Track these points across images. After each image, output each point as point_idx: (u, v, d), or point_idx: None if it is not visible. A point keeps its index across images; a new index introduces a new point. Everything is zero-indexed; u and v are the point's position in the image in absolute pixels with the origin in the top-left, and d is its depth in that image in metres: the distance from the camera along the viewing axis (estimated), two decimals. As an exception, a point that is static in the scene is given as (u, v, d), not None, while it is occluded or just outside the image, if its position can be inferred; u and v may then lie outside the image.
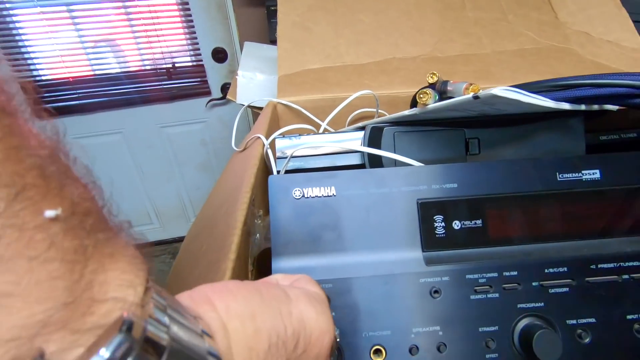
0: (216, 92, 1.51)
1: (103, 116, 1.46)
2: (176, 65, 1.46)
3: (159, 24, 1.37)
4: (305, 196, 0.24)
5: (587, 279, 0.24)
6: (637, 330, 0.24)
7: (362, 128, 0.37)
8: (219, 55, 1.46)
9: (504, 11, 0.66)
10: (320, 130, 0.50)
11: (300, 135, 0.38)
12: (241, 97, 0.76)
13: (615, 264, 0.24)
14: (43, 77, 1.36)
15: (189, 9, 1.37)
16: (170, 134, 1.58)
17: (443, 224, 0.25)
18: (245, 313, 0.13)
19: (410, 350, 0.23)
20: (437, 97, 0.31)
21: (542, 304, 0.24)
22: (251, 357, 0.12)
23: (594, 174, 0.25)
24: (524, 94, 0.26)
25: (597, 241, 0.25)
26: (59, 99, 1.39)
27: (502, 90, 0.25)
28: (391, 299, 0.23)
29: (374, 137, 0.34)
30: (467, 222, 0.25)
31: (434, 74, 0.35)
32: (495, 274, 0.24)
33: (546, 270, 0.24)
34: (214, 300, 0.13)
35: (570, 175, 0.25)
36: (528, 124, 0.34)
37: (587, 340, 0.23)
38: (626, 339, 0.24)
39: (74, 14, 1.30)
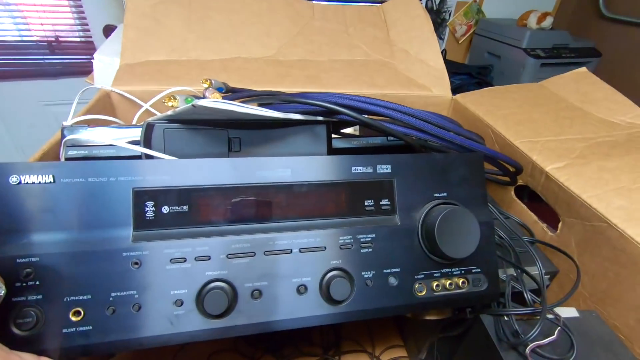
0: (108, 72, 1.44)
1: (-30, 89, 1.31)
2: (60, 39, 1.35)
3: (38, -8, 1.26)
4: (23, 182, 0.28)
5: (265, 251, 0.31)
6: (298, 289, 0.31)
7: (153, 123, 0.42)
8: (111, 33, 1.39)
9: (346, 24, 0.74)
10: (137, 115, 0.53)
11: (89, 126, 0.41)
12: (99, 82, 0.76)
13: (288, 240, 0.32)
14: None
15: (74, -20, 1.28)
16: (57, 112, 1.47)
17: (153, 208, 0.30)
18: None
19: (107, 310, 0.28)
20: (190, 100, 0.36)
21: (226, 271, 0.30)
22: None
23: (285, 172, 0.33)
24: (234, 105, 0.32)
25: (278, 223, 0.32)
26: None
27: (209, 102, 0.31)
28: (95, 269, 0.28)
29: (148, 133, 0.39)
30: (174, 208, 0.30)
31: (207, 80, 0.40)
32: (189, 249, 0.30)
33: (233, 246, 0.31)
34: None
35: (265, 172, 0.32)
36: (283, 128, 0.41)
37: (259, 298, 0.31)
38: (290, 297, 0.31)
39: None
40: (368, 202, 0.34)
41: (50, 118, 1.45)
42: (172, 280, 0.29)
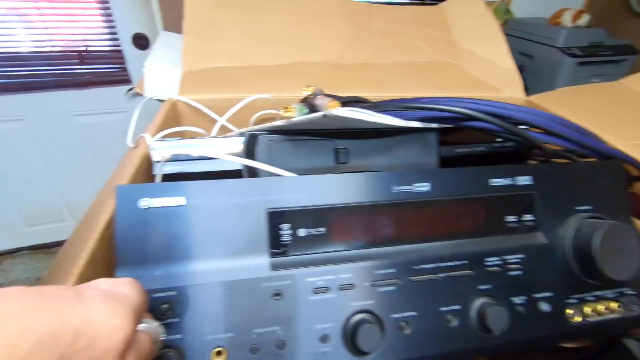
0: (138, 81, 1.42)
1: (0, 100, 1.30)
2: (89, 49, 1.34)
3: (68, 1, 1.25)
4: (152, 206, 0.25)
5: (410, 278, 0.28)
6: (447, 319, 0.28)
7: (246, 134, 0.38)
8: (141, 41, 1.37)
9: (406, 25, 0.71)
10: (215, 128, 0.50)
11: (181, 138, 0.38)
12: (149, 90, 0.73)
13: (434, 264, 0.28)
14: None
15: (103, -11, 1.26)
16: (85, 123, 1.45)
17: (290, 231, 0.27)
18: (13, 313, 0.14)
19: (251, 350, 0.25)
20: (305, 111, 0.33)
21: (372, 301, 0.27)
22: (12, 353, 0.13)
23: (424, 187, 0.29)
24: (366, 114, 0.29)
25: (421, 245, 0.29)
26: (-59, 79, 1.21)
27: (345, 111, 0.28)
28: (235, 303, 0.25)
29: (251, 145, 0.36)
30: (312, 230, 0.27)
31: (309, 87, 0.37)
32: (333, 277, 0.26)
33: (376, 272, 0.27)
34: None
35: (403, 187, 0.29)
36: (391, 137, 0.37)
37: (408, 331, 0.27)
38: (440, 328, 0.28)
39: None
40: (510, 218, 0.31)
41: (78, 129, 1.43)
42: (316, 313, 0.26)
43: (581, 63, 1.54)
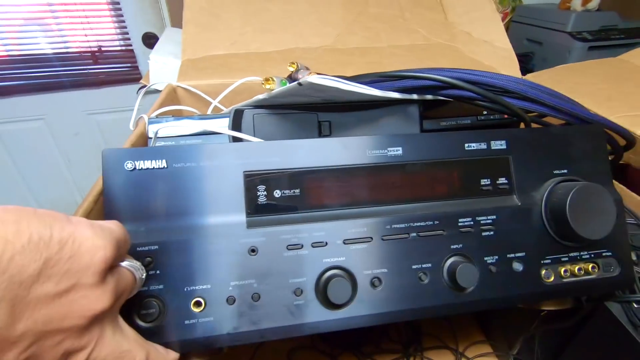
0: (148, 78, 1.47)
1: (21, 100, 1.37)
2: (103, 49, 1.39)
3: (82, 3, 1.30)
4: (137, 168, 0.27)
5: (382, 236, 0.29)
6: (419, 276, 0.29)
7: (235, 112, 0.40)
8: (151, 40, 1.41)
9: (401, 9, 0.72)
10: (209, 110, 0.52)
11: (173, 117, 0.40)
12: (154, 81, 0.76)
13: (406, 224, 0.29)
14: (-54, 56, 1.24)
15: (115, -9, 1.31)
16: (100, 121, 1.51)
17: (265, 192, 0.28)
18: (10, 218, 0.16)
19: (227, 300, 0.26)
20: (286, 84, 0.34)
21: (344, 258, 0.28)
22: (6, 245, 0.15)
23: (397, 151, 0.30)
24: (342, 82, 0.30)
25: (394, 206, 0.30)
26: (-33, 80, 1.28)
27: (318, 78, 0.29)
28: (213, 258, 0.27)
29: (237, 119, 0.38)
30: (286, 191, 0.29)
31: (292, 63, 0.38)
32: (306, 235, 0.28)
33: (349, 230, 0.28)
34: None
35: (377, 151, 0.30)
36: (373, 109, 0.38)
37: (379, 287, 0.28)
38: (412, 285, 0.29)
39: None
40: (484, 181, 0.32)
41: (93, 126, 1.49)
42: (290, 268, 0.28)
43: (592, 47, 1.50)
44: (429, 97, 0.37)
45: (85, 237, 0.18)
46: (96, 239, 0.18)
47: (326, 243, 0.28)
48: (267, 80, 0.32)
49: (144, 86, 1.49)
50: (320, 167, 0.29)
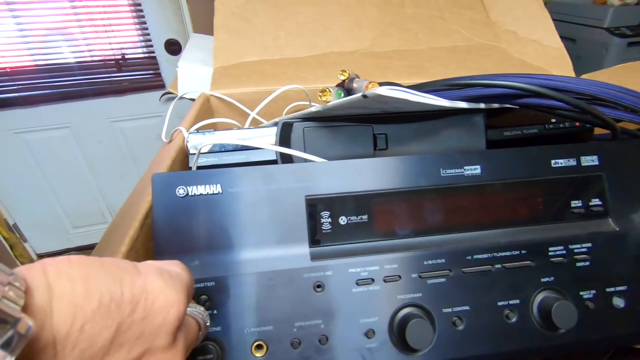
0: (170, 85, 1.46)
1: (48, 109, 1.38)
2: (126, 56, 1.39)
3: (106, 12, 1.31)
4: (190, 194, 0.24)
5: (462, 269, 0.25)
6: (506, 315, 0.25)
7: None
8: (173, 47, 1.41)
9: (440, 9, 0.68)
10: (248, 121, 0.49)
11: (215, 130, 0.37)
12: (183, 90, 0.74)
13: (489, 254, 0.26)
14: (-25, 68, 1.26)
15: (138, -1, 1.31)
16: (123, 128, 1.51)
17: (330, 219, 0.25)
18: (78, 275, 0.14)
19: (292, 344, 0.23)
20: (341, 95, 0.31)
21: (420, 294, 0.25)
22: (76, 312, 0.13)
23: (475, 170, 0.27)
24: (411, 94, 0.27)
25: (474, 233, 0.26)
26: (-4, 91, 1.30)
27: (387, 90, 0.26)
28: (275, 295, 0.24)
29: (285, 133, 0.35)
30: (353, 218, 0.25)
31: (344, 71, 0.35)
32: (377, 267, 0.25)
33: (425, 262, 0.25)
34: (47, 266, 0.13)
35: (452, 170, 0.26)
36: (433, 120, 0.35)
37: (461, 327, 0.25)
38: (497, 324, 0.25)
39: (10, 0, 1.21)
40: (575, 203, 0.28)
41: (117, 133, 1.50)
42: (361, 306, 0.24)
43: (631, 43, 1.42)
44: (496, 105, 0.33)
45: (158, 291, 0.15)
46: (168, 292, 0.16)
47: (400, 277, 0.25)
48: (323, 92, 0.29)
49: (168, 93, 1.48)
50: (390, 189, 0.26)
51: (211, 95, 0.54)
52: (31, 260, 1.59)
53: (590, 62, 1.52)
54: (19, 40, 1.27)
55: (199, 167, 0.35)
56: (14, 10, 1.22)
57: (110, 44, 1.36)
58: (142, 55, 1.41)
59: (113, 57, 1.39)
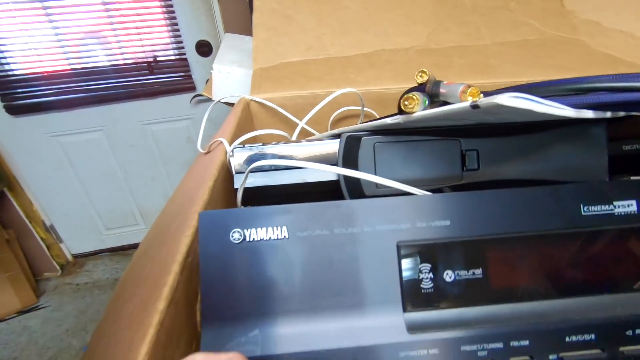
0: (201, 87, 1.44)
1: (82, 112, 1.39)
2: (158, 59, 1.38)
3: (139, 15, 1.29)
4: (248, 239, 0.18)
5: (621, 348, 0.18)
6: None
7: (339, 135, 0.31)
8: (203, 48, 1.38)
9: (505, -2, 0.59)
10: (296, 132, 0.44)
11: (263, 144, 0.32)
12: (217, 93, 0.70)
13: (658, 327, 0.18)
14: (15, 72, 1.28)
15: (170, 0, 1.28)
16: (154, 131, 1.50)
17: (431, 274, 0.19)
18: None
19: None
20: (426, 102, 0.25)
21: (563, 383, 0.18)
22: None
23: (630, 206, 0.19)
24: (537, 102, 0.20)
25: (635, 295, 0.19)
26: (34, 95, 1.32)
27: (510, 99, 0.19)
28: (361, 379, 0.17)
29: (351, 149, 0.28)
30: (462, 272, 0.19)
31: (423, 72, 0.28)
32: (501, 345, 0.18)
33: (567, 339, 0.18)
34: None
35: (598, 207, 0.19)
36: (537, 133, 0.28)
37: None
38: None
39: (47, 5, 1.22)
40: None
41: (148, 136, 1.49)
42: (478, 399, 0.18)
43: None
44: (622, 114, 0.26)
45: None
46: None
47: (532, 358, 0.18)
48: (409, 99, 0.22)
49: (198, 95, 1.46)
50: (512, 233, 0.19)
51: (251, 100, 0.49)
52: (67, 262, 1.62)
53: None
54: (55, 44, 1.28)
55: (246, 189, 0.30)
56: (50, 15, 1.23)
57: (142, 46, 1.35)
58: (173, 58, 1.39)
59: (145, 60, 1.37)
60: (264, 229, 0.18)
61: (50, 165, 1.45)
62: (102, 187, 1.53)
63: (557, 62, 0.51)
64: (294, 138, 0.43)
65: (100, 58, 1.33)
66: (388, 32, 0.56)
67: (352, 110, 0.49)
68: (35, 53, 1.27)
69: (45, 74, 1.31)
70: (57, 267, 1.58)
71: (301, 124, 0.42)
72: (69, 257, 1.64)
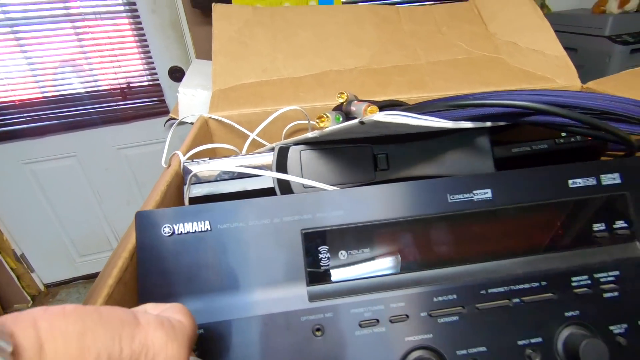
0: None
1: (54, 140, 1.40)
2: (131, 85, 1.41)
3: (111, 44, 1.33)
4: (177, 232, 0.22)
5: (477, 305, 0.23)
6: (528, 355, 0.23)
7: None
8: (176, 74, 1.43)
9: (437, 24, 0.67)
10: (247, 144, 0.48)
11: (209, 159, 0.36)
12: (183, 114, 0.74)
13: (505, 287, 0.23)
14: (-16, 102, 1.29)
15: (142, 29, 1.33)
16: (129, 155, 1.52)
17: (328, 254, 0.23)
18: (73, 331, 0.13)
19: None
20: (340, 119, 0.30)
21: (431, 335, 0.22)
22: None
23: (485, 194, 0.25)
24: (412, 117, 0.25)
25: (488, 264, 0.24)
26: (5, 124, 1.32)
27: (385, 116, 0.24)
28: (270, 341, 0.21)
29: (282, 158, 0.33)
30: (353, 252, 0.23)
31: (342, 93, 0.34)
32: (382, 307, 0.22)
33: (435, 299, 0.23)
34: (38, 320, 0.12)
35: (460, 196, 0.24)
36: (436, 138, 0.33)
37: (479, 370, 0.22)
38: (520, 366, 0.22)
39: (20, 36, 1.24)
40: (598, 227, 0.25)
41: (122, 161, 1.51)
42: (365, 351, 0.22)
43: (634, 50, 1.41)
44: (502, 123, 0.32)
45: (159, 346, 0.14)
46: (170, 347, 0.15)
47: (407, 316, 0.22)
48: (321, 118, 0.27)
49: (171, 119, 1.49)
50: (392, 218, 0.24)
51: (209, 117, 0.53)
52: (38, 292, 1.58)
53: (593, 70, 1.50)
54: (28, 73, 1.30)
55: (191, 198, 0.34)
56: (23, 46, 1.26)
57: (115, 73, 1.39)
58: (146, 84, 1.43)
59: (118, 87, 1.41)
60: (190, 223, 0.23)
61: (21, 193, 1.44)
62: (75, 213, 1.52)
63: (482, 78, 0.58)
64: (244, 151, 0.48)
65: (74, 85, 1.36)
66: (336, 55, 0.62)
67: (301, 124, 0.54)
68: (7, 82, 1.28)
69: (17, 102, 1.32)
70: (28, 298, 1.54)
71: (252, 135, 0.46)
72: (41, 287, 1.60)
